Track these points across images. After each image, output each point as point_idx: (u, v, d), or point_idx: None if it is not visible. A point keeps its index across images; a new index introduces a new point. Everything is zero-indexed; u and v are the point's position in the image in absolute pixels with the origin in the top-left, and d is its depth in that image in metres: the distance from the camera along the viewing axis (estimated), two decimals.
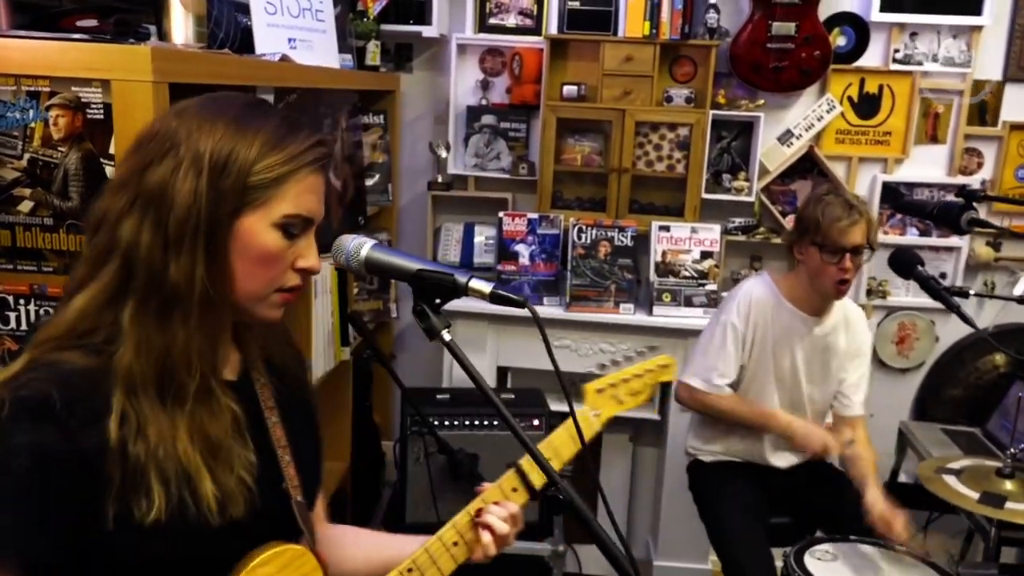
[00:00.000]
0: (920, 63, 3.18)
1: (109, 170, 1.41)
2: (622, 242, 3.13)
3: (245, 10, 1.97)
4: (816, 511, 2.50)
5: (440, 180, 3.34)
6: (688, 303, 3.10)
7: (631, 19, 3.12)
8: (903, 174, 3.28)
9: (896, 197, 3.23)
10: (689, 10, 3.08)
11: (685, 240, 3.18)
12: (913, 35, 3.17)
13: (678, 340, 3.05)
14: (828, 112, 3.23)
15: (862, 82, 3.23)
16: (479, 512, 1.22)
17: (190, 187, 0.94)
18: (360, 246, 1.08)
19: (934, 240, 3.28)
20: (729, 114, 3.19)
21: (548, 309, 3.09)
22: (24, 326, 1.48)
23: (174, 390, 0.97)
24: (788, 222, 3.23)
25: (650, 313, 3.09)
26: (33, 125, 1.42)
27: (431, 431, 2.37)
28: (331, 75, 2.40)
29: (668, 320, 3.06)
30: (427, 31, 3.20)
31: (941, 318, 3.29)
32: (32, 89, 1.41)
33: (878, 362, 3.32)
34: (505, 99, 3.36)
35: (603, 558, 1.07)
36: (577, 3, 3.16)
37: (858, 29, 3.19)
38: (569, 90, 3.18)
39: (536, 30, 3.28)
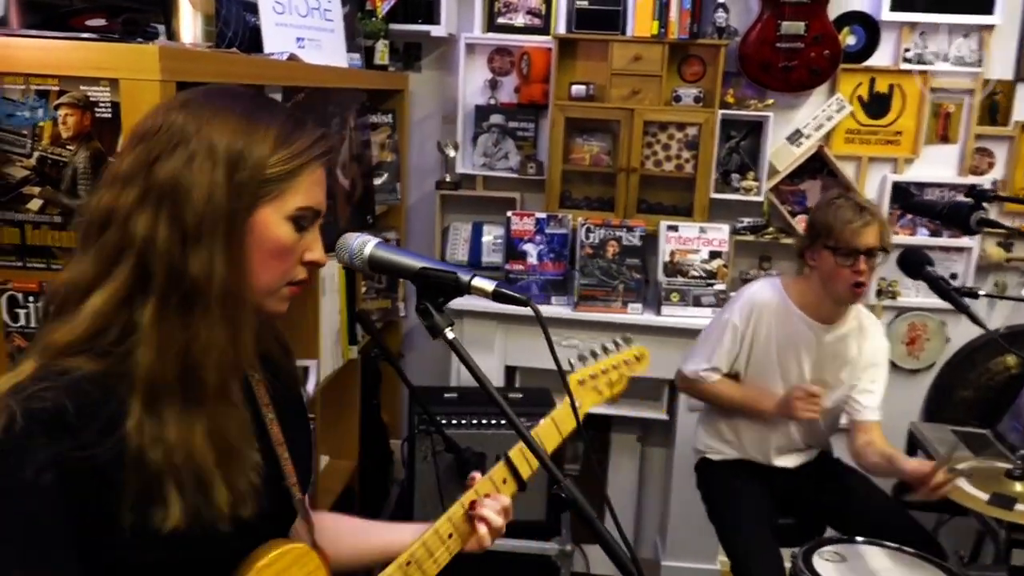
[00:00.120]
0: (931, 62, 3.16)
1: None
2: (630, 242, 3.13)
3: (254, 9, 1.98)
4: (824, 511, 2.50)
5: (448, 179, 3.34)
6: (697, 303, 3.10)
7: (640, 18, 3.12)
8: (913, 174, 3.26)
9: (906, 197, 3.21)
10: (698, 9, 3.08)
11: (693, 240, 3.18)
12: (923, 34, 3.15)
13: (687, 340, 3.03)
14: (838, 112, 3.22)
15: (872, 82, 3.21)
16: (473, 505, 1.25)
17: (206, 180, 0.93)
18: (364, 244, 1.08)
19: (945, 240, 3.26)
20: (738, 114, 3.19)
21: (556, 309, 3.10)
22: (34, 323, 1.49)
23: (195, 389, 0.95)
24: (797, 222, 3.22)
25: (658, 313, 3.09)
26: (42, 124, 1.43)
27: (439, 430, 2.37)
28: (339, 74, 2.41)
29: (676, 320, 3.06)
30: (435, 30, 3.21)
31: (952, 319, 3.27)
32: (41, 88, 1.42)
33: (888, 363, 3.30)
34: (513, 98, 3.36)
35: (610, 558, 1.07)
36: (585, 2, 3.15)
37: (868, 28, 3.17)
38: (577, 89, 3.18)
39: (544, 29, 3.28)
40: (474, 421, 2.52)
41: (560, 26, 3.26)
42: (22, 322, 1.50)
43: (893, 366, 3.34)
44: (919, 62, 3.16)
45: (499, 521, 1.25)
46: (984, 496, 2.07)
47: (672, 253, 3.18)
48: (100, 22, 1.52)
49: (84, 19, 1.53)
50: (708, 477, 2.59)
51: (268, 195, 0.97)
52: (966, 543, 2.73)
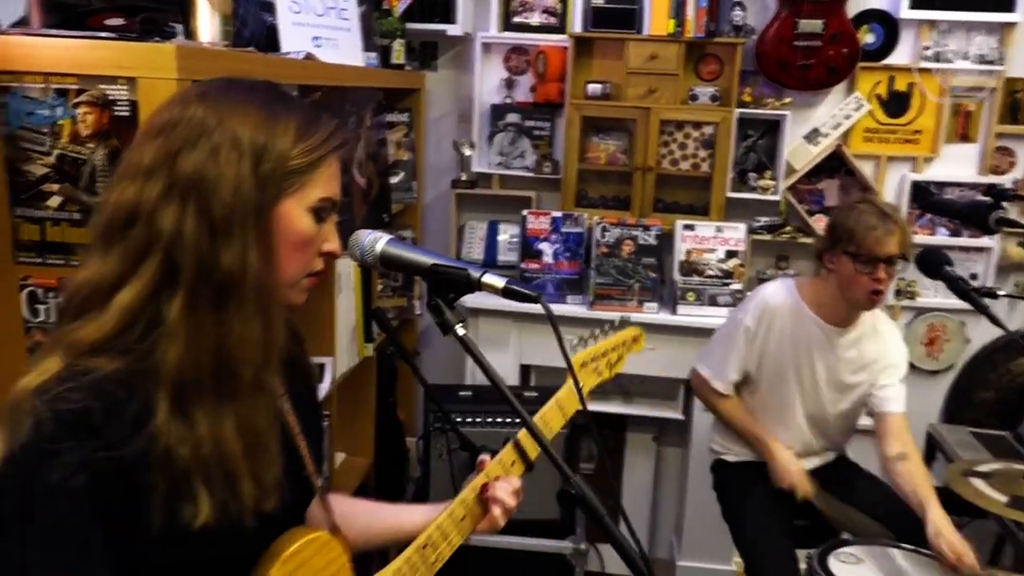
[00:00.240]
0: (950, 60, 3.13)
1: None
2: (646, 241, 3.12)
3: (270, 9, 2.00)
4: None
5: (464, 178, 3.35)
6: (713, 302, 3.08)
7: (656, 17, 3.11)
8: (933, 173, 3.23)
9: (926, 197, 3.18)
10: (714, 7, 3.07)
11: (710, 239, 3.16)
12: (943, 32, 3.12)
13: (702, 340, 3.01)
14: (856, 110, 3.19)
15: (891, 80, 3.19)
16: (485, 487, 1.27)
17: (232, 172, 0.92)
18: (375, 241, 1.08)
19: (965, 240, 3.23)
20: (755, 112, 3.17)
21: (571, 307, 3.09)
22: (53, 319, 1.52)
23: (230, 384, 0.94)
24: (815, 221, 3.20)
25: (674, 312, 3.08)
26: (62, 122, 1.45)
27: (453, 428, 2.38)
28: (356, 73, 2.42)
29: (692, 319, 3.05)
30: (452, 29, 3.22)
31: (972, 319, 3.23)
32: (60, 87, 1.44)
33: (907, 363, 3.27)
34: (529, 97, 3.37)
35: (620, 555, 1.08)
36: (602, 1, 3.15)
37: (887, 26, 3.15)
38: (593, 88, 3.17)
39: (560, 28, 3.28)
40: (489, 419, 2.53)
41: (576, 25, 3.26)
42: (42, 317, 1.53)
43: (912, 367, 3.30)
44: (938, 60, 3.13)
45: (512, 502, 1.28)
46: (1003, 499, 2.05)
47: (688, 252, 3.16)
48: (119, 21, 1.54)
49: (103, 19, 1.55)
50: (724, 478, 2.58)
51: (291, 187, 0.97)
52: (985, 546, 2.70)
